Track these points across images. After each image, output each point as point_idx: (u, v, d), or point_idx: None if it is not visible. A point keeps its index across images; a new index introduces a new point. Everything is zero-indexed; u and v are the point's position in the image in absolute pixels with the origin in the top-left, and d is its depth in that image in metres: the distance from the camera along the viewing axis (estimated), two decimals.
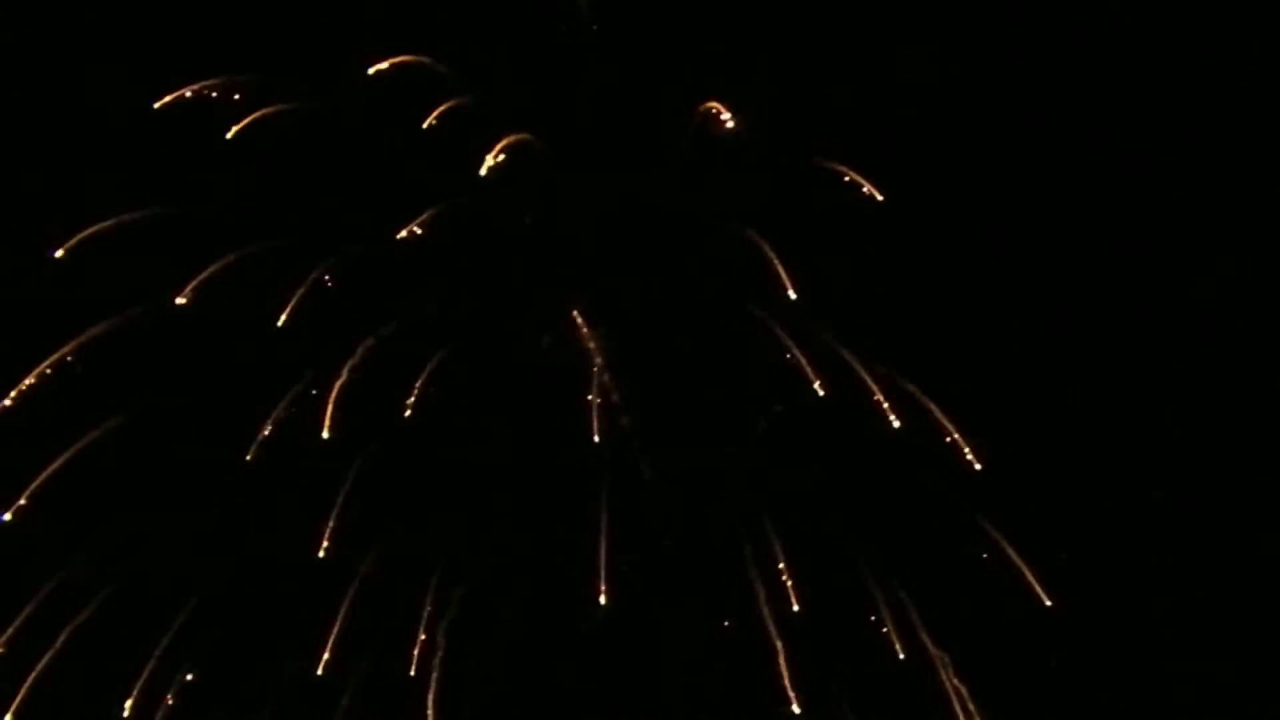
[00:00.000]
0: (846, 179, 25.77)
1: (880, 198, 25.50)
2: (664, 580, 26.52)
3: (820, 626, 25.93)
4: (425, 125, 25.72)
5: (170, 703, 26.05)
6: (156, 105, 25.27)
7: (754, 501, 26.37)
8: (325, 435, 25.59)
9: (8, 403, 25.28)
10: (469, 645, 26.16)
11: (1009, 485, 25.79)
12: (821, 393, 25.33)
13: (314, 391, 25.70)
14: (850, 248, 26.23)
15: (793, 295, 25.31)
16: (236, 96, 25.58)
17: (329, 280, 26.02)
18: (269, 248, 25.96)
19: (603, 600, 25.59)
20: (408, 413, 25.70)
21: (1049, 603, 25.43)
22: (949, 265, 26.36)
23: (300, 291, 25.63)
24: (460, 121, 26.08)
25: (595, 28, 26.72)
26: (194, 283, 25.59)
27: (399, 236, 25.68)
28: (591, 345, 26.49)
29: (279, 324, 25.49)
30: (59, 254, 25.39)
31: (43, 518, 25.44)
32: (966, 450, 25.47)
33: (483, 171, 25.59)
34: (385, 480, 26.29)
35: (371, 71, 25.57)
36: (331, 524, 25.60)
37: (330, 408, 25.57)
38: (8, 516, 25.24)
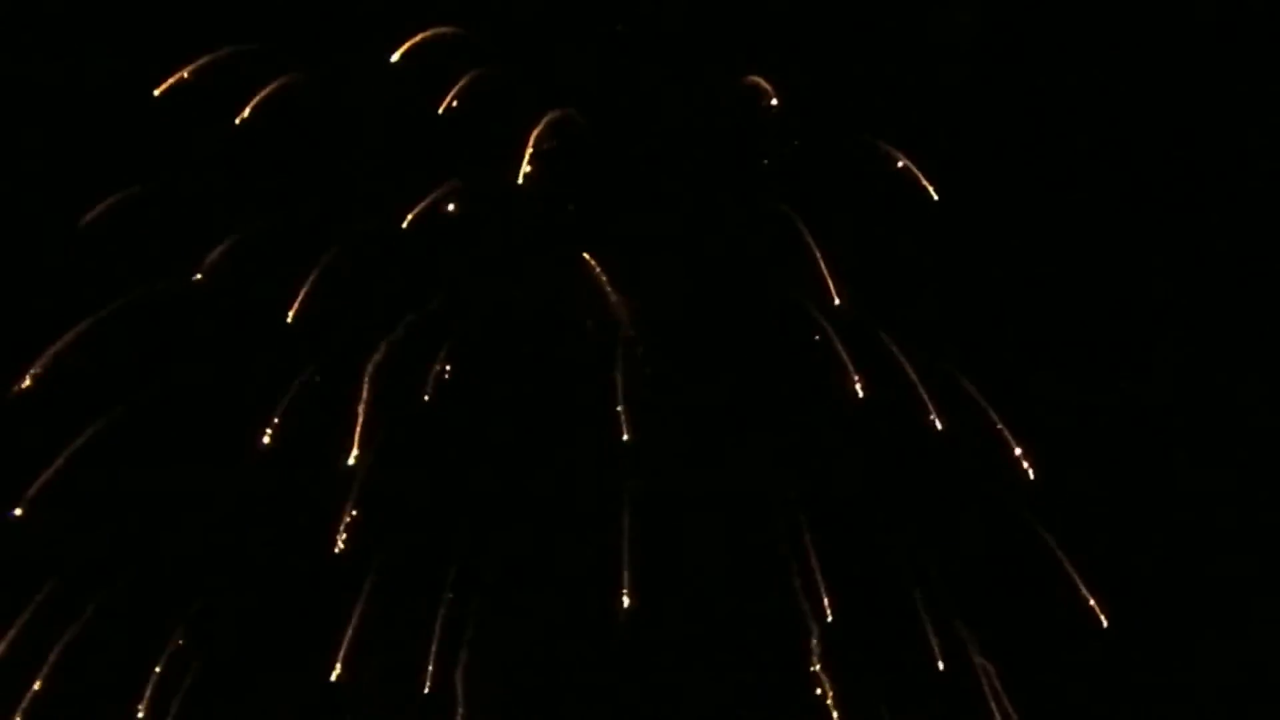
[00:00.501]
0: (897, 161, 24.61)
1: (934, 193, 24.20)
2: (695, 586, 25.30)
3: (857, 632, 24.82)
4: (454, 99, 24.72)
5: (180, 704, 25.07)
6: (157, 92, 24.42)
7: (792, 503, 25.07)
8: (352, 422, 24.51)
9: (26, 384, 24.49)
10: (488, 647, 25.07)
11: (1063, 495, 24.51)
12: (862, 393, 24.11)
13: (318, 379, 24.71)
14: (898, 233, 25.01)
15: (835, 295, 24.16)
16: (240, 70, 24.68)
17: (349, 262, 24.98)
18: (284, 228, 25.04)
19: (625, 604, 24.43)
20: (427, 396, 24.69)
21: (1104, 622, 24.20)
22: (1001, 260, 25.09)
23: (315, 273, 24.63)
24: (492, 96, 25.03)
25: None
26: (208, 261, 24.71)
27: (417, 212, 24.60)
28: (628, 333, 25.36)
29: (295, 306, 24.49)
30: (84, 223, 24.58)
31: (48, 511, 24.50)
32: (1018, 451, 24.24)
33: (519, 180, 24.56)
34: (401, 475, 25.13)
35: (395, 57, 24.51)
36: (346, 519, 24.55)
37: (363, 400, 24.57)
38: (17, 512, 24.38)
